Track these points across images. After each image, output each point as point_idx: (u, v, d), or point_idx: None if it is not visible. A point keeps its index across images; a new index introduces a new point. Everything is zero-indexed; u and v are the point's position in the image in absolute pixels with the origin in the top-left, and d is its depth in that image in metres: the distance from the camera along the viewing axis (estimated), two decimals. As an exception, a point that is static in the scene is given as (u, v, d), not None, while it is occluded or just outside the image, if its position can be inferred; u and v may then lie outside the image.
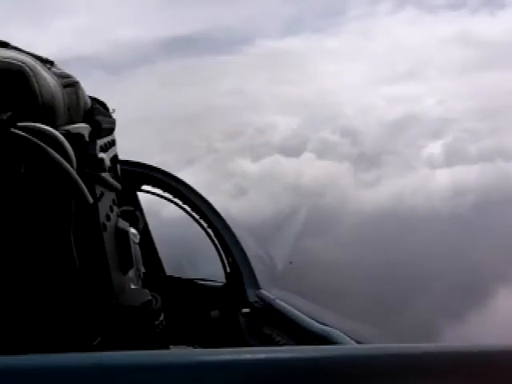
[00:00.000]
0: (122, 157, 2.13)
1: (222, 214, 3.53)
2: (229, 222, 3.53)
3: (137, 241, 2.00)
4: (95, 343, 1.57)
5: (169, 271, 3.99)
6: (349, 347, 1.86)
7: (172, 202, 3.54)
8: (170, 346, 2.09)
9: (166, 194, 3.54)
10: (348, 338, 2.29)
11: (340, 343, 2.24)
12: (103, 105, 2.02)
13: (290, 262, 4.05)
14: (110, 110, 2.07)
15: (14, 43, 1.57)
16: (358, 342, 2.27)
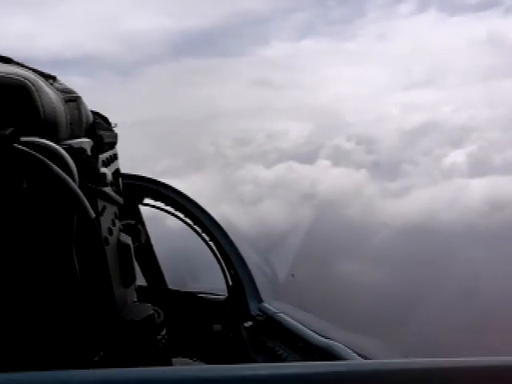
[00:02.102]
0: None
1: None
2: (234, 232, 3.53)
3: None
4: (98, 357, 1.56)
5: (171, 284, 3.98)
6: (353, 363, 1.85)
7: (174, 215, 3.54)
8: (173, 361, 2.08)
9: (168, 208, 3.54)
10: (351, 352, 2.28)
11: (343, 357, 2.23)
12: (105, 119, 2.03)
13: (292, 275, 4.04)
14: (112, 125, 2.07)
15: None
16: (361, 356, 2.26)
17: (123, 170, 2.15)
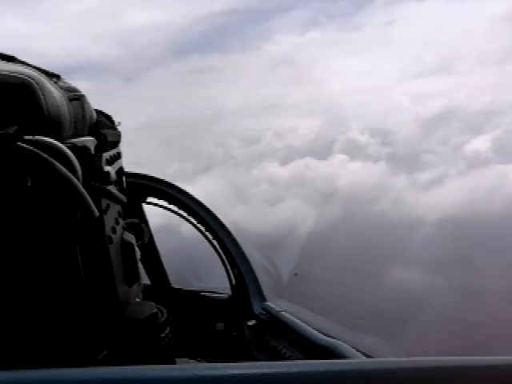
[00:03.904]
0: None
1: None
2: (239, 232, 3.53)
3: (138, 257, 2.01)
4: (101, 356, 1.57)
5: (174, 283, 3.98)
6: (356, 361, 1.85)
7: (177, 214, 3.54)
8: (176, 359, 2.08)
9: (172, 206, 3.54)
10: (354, 351, 2.28)
11: (346, 356, 2.23)
12: (109, 118, 2.04)
13: (296, 274, 4.04)
14: (116, 123, 2.08)
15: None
16: (365, 355, 2.25)
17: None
